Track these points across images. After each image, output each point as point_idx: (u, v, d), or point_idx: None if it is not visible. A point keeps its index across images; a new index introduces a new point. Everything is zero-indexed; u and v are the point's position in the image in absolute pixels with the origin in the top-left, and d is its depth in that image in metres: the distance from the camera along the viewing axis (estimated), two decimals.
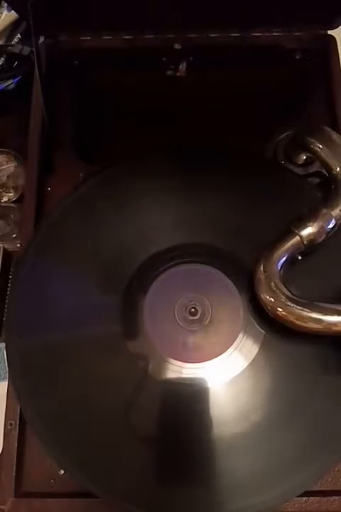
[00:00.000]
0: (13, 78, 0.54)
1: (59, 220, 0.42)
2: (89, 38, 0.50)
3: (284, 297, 0.35)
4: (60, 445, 0.35)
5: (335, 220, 0.37)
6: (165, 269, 0.39)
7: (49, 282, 0.39)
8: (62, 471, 0.37)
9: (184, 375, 0.36)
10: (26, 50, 0.55)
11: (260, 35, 0.49)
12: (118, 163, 0.44)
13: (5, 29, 0.56)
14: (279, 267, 0.36)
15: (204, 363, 0.36)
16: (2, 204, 0.51)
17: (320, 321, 0.34)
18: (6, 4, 0.55)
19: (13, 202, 0.51)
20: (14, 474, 0.37)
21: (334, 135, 0.40)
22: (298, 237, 0.36)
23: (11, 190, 0.51)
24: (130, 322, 0.38)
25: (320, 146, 0.40)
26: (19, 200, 0.51)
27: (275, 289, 0.35)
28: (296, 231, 0.37)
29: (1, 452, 0.38)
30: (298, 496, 0.35)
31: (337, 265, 0.39)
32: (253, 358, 0.37)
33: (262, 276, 0.36)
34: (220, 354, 0.37)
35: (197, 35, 0.49)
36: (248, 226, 0.40)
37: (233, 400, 0.36)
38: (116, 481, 0.35)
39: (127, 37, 0.50)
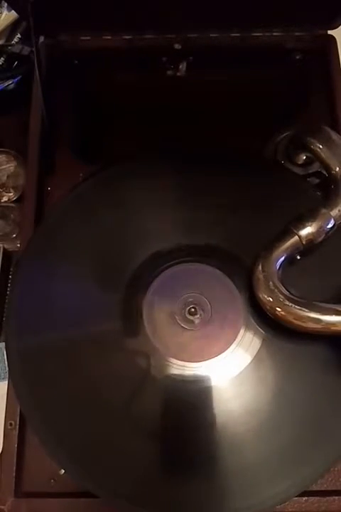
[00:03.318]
0: (13, 78, 0.54)
1: (59, 220, 0.42)
2: (89, 38, 0.50)
3: (282, 297, 0.35)
4: (61, 445, 0.35)
5: (334, 220, 0.37)
6: (164, 268, 0.39)
7: (49, 282, 0.39)
8: (62, 471, 0.37)
9: (183, 375, 0.36)
10: (26, 50, 0.55)
11: (260, 35, 0.49)
12: (118, 163, 0.44)
13: (5, 29, 0.56)
14: (278, 267, 0.36)
15: (204, 362, 0.36)
16: (2, 204, 0.51)
17: (318, 320, 0.34)
18: (6, 4, 0.55)
19: (13, 202, 0.51)
20: (14, 474, 0.37)
21: (334, 135, 0.40)
22: (296, 237, 0.36)
23: (11, 190, 0.51)
24: (130, 322, 0.38)
25: (320, 146, 0.40)
26: (19, 200, 0.51)
27: (273, 288, 0.35)
28: (295, 231, 0.37)
29: (1, 452, 0.38)
30: (297, 496, 0.35)
31: (335, 265, 0.39)
32: (253, 358, 0.37)
33: (261, 276, 0.36)
34: (220, 354, 0.37)
35: (197, 35, 0.49)
36: (248, 226, 0.40)
37: (233, 400, 0.36)
38: (117, 480, 0.35)
39: (127, 37, 0.50)
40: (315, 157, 0.41)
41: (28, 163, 0.46)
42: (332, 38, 0.50)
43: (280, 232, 0.37)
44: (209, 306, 0.38)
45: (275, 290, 0.35)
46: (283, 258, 0.36)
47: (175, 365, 0.36)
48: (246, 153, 0.44)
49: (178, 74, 0.51)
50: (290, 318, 0.35)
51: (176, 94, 0.51)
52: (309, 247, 0.37)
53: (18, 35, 0.56)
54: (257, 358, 0.36)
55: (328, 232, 0.37)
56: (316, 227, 0.37)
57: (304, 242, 0.37)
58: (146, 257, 0.40)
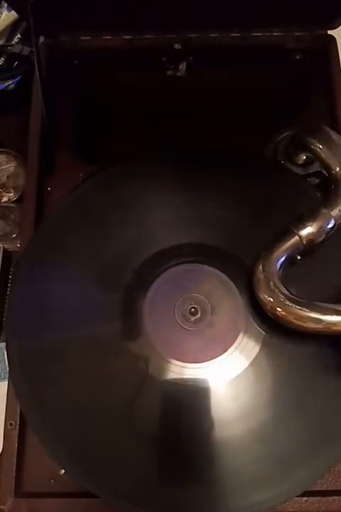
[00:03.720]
0: (13, 78, 0.54)
1: (59, 220, 0.42)
2: (89, 38, 0.50)
3: (283, 297, 0.35)
4: (61, 445, 0.35)
5: (335, 220, 0.37)
6: (165, 269, 0.39)
7: (49, 282, 0.39)
8: (62, 471, 0.37)
9: (183, 375, 0.36)
10: (26, 50, 0.55)
11: (260, 35, 0.49)
12: (118, 163, 0.44)
13: (5, 29, 0.56)
14: (278, 267, 0.36)
15: (204, 363, 0.36)
16: (2, 204, 0.51)
17: (319, 320, 0.34)
18: (6, 4, 0.55)
19: (13, 202, 0.51)
20: (14, 474, 0.37)
21: (334, 135, 0.40)
22: (297, 237, 0.36)
23: (11, 190, 0.51)
24: (130, 322, 0.38)
25: (320, 146, 0.40)
26: (19, 200, 0.51)
27: (273, 288, 0.35)
28: (295, 231, 0.37)
29: (1, 452, 0.38)
30: (298, 496, 0.35)
31: (335, 265, 0.39)
32: (253, 358, 0.37)
33: (261, 276, 0.36)
34: (221, 354, 0.37)
35: (197, 35, 0.49)
36: (248, 226, 0.40)
37: (234, 400, 0.36)
38: (117, 480, 0.35)
39: (127, 37, 0.50)
40: (315, 157, 0.41)
41: (28, 163, 0.46)
42: (332, 38, 0.50)
43: (280, 232, 0.37)
44: (209, 306, 0.38)
45: (276, 290, 0.35)
46: (283, 258, 0.36)
47: (175, 366, 0.36)
48: (246, 153, 0.44)
49: (178, 74, 0.51)
50: (291, 319, 0.35)
51: (176, 94, 0.51)
52: (309, 247, 0.37)
53: (18, 35, 0.56)
54: (257, 358, 0.36)
55: (328, 232, 0.37)
56: (316, 227, 0.37)
57: (304, 242, 0.37)
58: (146, 257, 0.40)
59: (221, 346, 0.37)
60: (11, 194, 0.51)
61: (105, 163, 0.44)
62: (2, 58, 0.55)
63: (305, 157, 0.44)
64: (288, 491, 0.34)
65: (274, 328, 0.36)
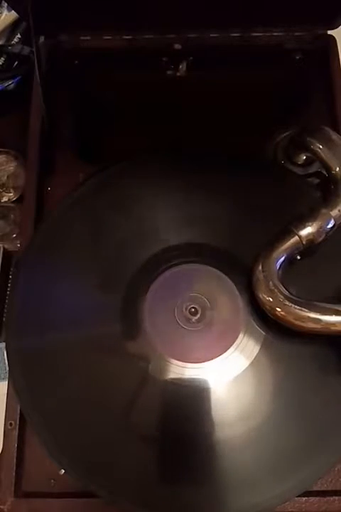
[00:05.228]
0: (13, 78, 0.54)
1: (59, 220, 0.42)
2: (89, 38, 0.50)
3: (282, 297, 0.35)
4: (60, 445, 0.35)
5: (334, 220, 0.37)
6: (165, 269, 0.39)
7: (49, 282, 0.40)
8: (62, 471, 0.37)
9: (184, 376, 0.36)
10: (26, 50, 0.55)
11: (260, 35, 0.49)
12: (118, 163, 0.44)
13: (5, 29, 0.56)
14: (278, 267, 0.36)
15: (204, 363, 0.36)
16: (2, 204, 0.51)
17: (318, 320, 0.34)
18: (6, 4, 0.55)
19: (13, 202, 0.51)
20: (14, 474, 0.37)
21: (334, 135, 0.40)
22: (297, 237, 0.36)
23: (11, 190, 0.51)
24: (130, 322, 0.38)
25: (320, 146, 0.40)
26: (19, 200, 0.51)
27: (273, 288, 0.35)
28: (295, 231, 0.37)
29: (1, 452, 0.38)
30: (298, 496, 0.35)
31: (335, 265, 0.39)
32: (253, 358, 0.37)
33: (260, 276, 0.36)
34: (220, 354, 0.37)
35: (197, 35, 0.49)
36: (248, 226, 0.40)
37: (233, 400, 0.36)
38: (117, 481, 0.35)
39: (127, 37, 0.50)
40: (315, 157, 0.41)
41: (28, 163, 0.46)
42: (332, 38, 0.50)
43: (280, 232, 0.37)
44: (209, 306, 0.38)
45: (275, 290, 0.35)
46: (283, 258, 0.36)
47: (175, 366, 0.36)
48: (246, 153, 0.44)
49: (178, 74, 0.51)
50: (290, 318, 0.35)
51: (176, 94, 0.51)
52: (309, 247, 0.37)
53: (18, 35, 0.56)
54: (257, 359, 0.36)
55: (328, 232, 0.37)
56: (316, 227, 0.37)
57: (304, 242, 0.37)
58: (146, 257, 0.40)
59: (221, 346, 0.37)
60: (11, 194, 0.51)
61: (105, 163, 0.44)
62: (2, 58, 0.55)
63: (305, 157, 0.44)
64: (288, 491, 0.34)
65: (274, 328, 0.36)
